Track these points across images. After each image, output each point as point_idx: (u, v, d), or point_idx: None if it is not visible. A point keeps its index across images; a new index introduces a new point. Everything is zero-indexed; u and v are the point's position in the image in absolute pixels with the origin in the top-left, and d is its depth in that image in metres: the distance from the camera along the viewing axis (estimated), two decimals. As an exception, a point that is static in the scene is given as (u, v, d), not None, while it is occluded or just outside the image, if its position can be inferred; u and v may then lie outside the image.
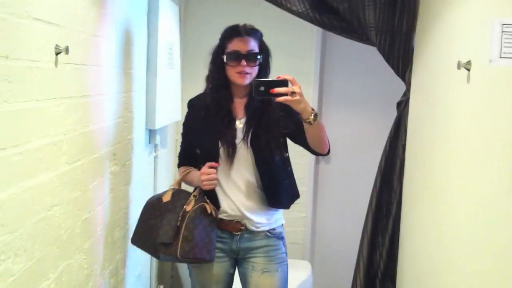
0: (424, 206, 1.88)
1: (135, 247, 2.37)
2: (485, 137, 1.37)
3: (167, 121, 2.77)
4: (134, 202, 2.35)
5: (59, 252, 1.53)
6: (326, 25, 2.11)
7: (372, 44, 2.10)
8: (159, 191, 2.71)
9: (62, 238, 1.56)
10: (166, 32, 2.59)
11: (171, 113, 2.85)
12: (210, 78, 2.03)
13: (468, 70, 1.45)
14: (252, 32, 1.96)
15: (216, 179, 1.95)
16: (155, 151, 2.73)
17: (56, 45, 1.43)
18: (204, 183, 1.94)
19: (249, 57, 1.92)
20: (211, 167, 1.94)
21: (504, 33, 0.96)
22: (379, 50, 2.09)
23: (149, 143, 2.63)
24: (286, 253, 2.07)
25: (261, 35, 2.00)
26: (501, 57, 0.96)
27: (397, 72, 2.11)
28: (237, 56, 1.92)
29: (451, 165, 1.61)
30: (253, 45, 1.94)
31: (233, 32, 1.96)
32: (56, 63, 1.45)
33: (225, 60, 1.94)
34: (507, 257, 1.25)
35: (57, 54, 1.44)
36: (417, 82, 2.04)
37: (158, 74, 2.48)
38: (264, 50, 1.99)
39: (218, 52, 1.98)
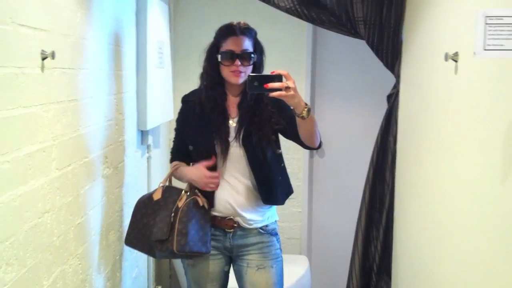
0: (416, 197, 1.88)
1: (130, 250, 2.37)
2: (474, 128, 1.38)
3: (159, 121, 2.76)
4: (128, 204, 2.35)
5: (52, 259, 1.53)
6: (314, 20, 2.11)
7: (361, 37, 2.10)
8: (154, 191, 2.71)
9: (55, 244, 1.56)
10: (155, 31, 2.57)
11: (163, 113, 2.84)
12: (204, 76, 2.03)
13: (456, 61, 1.45)
14: (246, 31, 1.96)
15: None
16: (148, 152, 2.72)
17: (42, 50, 1.42)
18: (210, 185, 1.96)
19: (243, 56, 1.93)
20: (207, 167, 1.95)
21: (487, 25, 0.96)
22: (368, 43, 2.09)
23: (142, 144, 2.62)
24: (280, 249, 2.08)
25: (256, 34, 2.01)
26: (485, 49, 0.96)
27: (386, 65, 2.11)
28: (232, 56, 1.92)
29: (442, 156, 1.61)
30: (248, 44, 1.95)
31: (228, 31, 1.96)
32: (42, 68, 1.44)
33: (219, 59, 1.95)
34: (501, 246, 1.26)
35: (43, 59, 1.43)
36: (406, 74, 2.04)
37: (148, 75, 2.47)
38: (258, 49, 2.00)
39: (213, 51, 1.99)
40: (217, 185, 1.97)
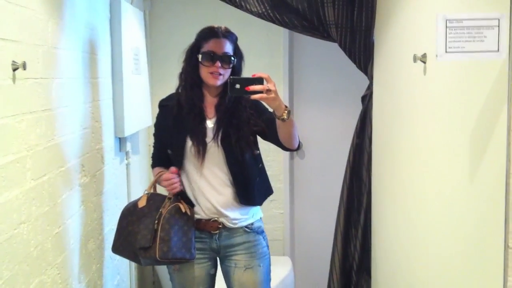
0: (391, 197, 1.91)
1: (111, 257, 2.36)
2: (442, 128, 1.41)
3: (137, 127, 2.76)
4: (107, 211, 2.34)
5: (29, 270, 1.52)
6: (287, 24, 2.13)
7: (333, 40, 2.13)
8: (134, 198, 2.69)
9: (33, 255, 1.55)
10: (130, 38, 2.57)
11: (141, 119, 2.83)
12: (183, 76, 2.04)
13: (424, 62, 1.48)
14: (228, 35, 1.99)
15: (179, 182, 1.99)
16: (126, 159, 2.72)
17: (13, 61, 1.42)
18: (167, 188, 1.98)
19: (224, 59, 1.95)
20: (169, 174, 1.98)
21: (448, 28, 0.98)
22: (340, 46, 2.12)
23: (120, 151, 2.61)
24: (267, 246, 2.09)
25: (236, 39, 2.03)
26: (446, 52, 0.99)
27: (359, 67, 2.14)
28: (212, 57, 1.94)
29: (413, 156, 1.64)
30: (229, 48, 1.97)
31: (210, 32, 1.98)
32: (14, 79, 1.43)
33: (199, 59, 1.96)
34: (471, 242, 1.29)
35: (14, 70, 1.43)
36: (378, 75, 2.08)
37: (124, 81, 2.46)
38: (238, 53, 2.02)
39: (193, 51, 2.00)
40: (177, 185, 1.97)
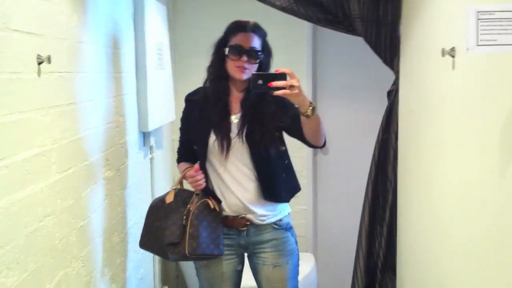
0: (418, 194, 1.87)
1: (135, 251, 2.38)
2: (471, 124, 1.37)
3: (161, 122, 2.77)
4: (131, 205, 2.35)
5: (54, 262, 1.54)
6: (311, 18, 2.10)
7: (358, 34, 2.09)
8: (157, 193, 2.72)
9: (57, 248, 1.56)
10: (154, 33, 2.58)
11: (165, 114, 2.84)
12: (210, 69, 2.04)
13: (453, 57, 1.44)
14: (257, 29, 1.98)
15: (203, 179, 1.98)
16: (150, 153, 2.73)
17: (38, 55, 1.43)
18: (192, 185, 1.99)
19: (251, 53, 1.93)
20: (192, 171, 1.98)
21: (479, 20, 0.95)
22: (365, 40, 2.08)
23: (144, 145, 2.63)
24: (296, 242, 2.09)
25: (265, 35, 2.01)
26: (478, 45, 0.95)
27: (385, 61, 2.10)
28: (239, 51, 1.93)
29: (440, 152, 1.60)
30: (256, 43, 1.95)
31: (238, 26, 1.97)
32: (39, 73, 1.45)
33: (226, 52, 1.95)
34: (501, 238, 1.25)
35: (39, 63, 1.44)
36: (405, 70, 2.03)
37: (148, 76, 2.47)
38: (266, 50, 2.00)
39: (221, 44, 2.00)
40: (201, 182, 1.97)
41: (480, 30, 0.95)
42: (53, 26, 1.55)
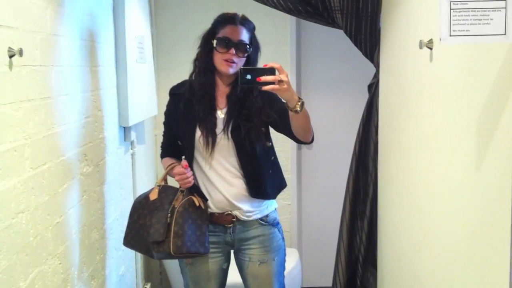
0: (398, 187, 1.87)
1: (115, 247, 2.35)
2: (450, 116, 1.36)
3: (142, 117, 2.74)
4: (111, 201, 2.32)
5: (29, 259, 1.51)
6: (291, 10, 2.08)
7: (338, 27, 2.08)
8: (139, 188, 2.69)
9: (32, 245, 1.53)
10: (134, 26, 2.54)
11: (146, 108, 2.81)
12: (197, 62, 2.00)
13: (430, 49, 1.43)
14: (245, 22, 1.94)
15: (192, 176, 1.94)
16: (131, 148, 2.70)
17: (9, 47, 1.39)
18: (180, 183, 1.94)
19: (239, 46, 1.90)
20: (181, 169, 1.93)
21: (452, 10, 0.94)
22: (345, 32, 2.07)
23: (125, 140, 2.59)
24: (283, 238, 2.06)
25: (254, 28, 1.98)
26: (451, 35, 0.94)
27: (365, 54, 2.10)
28: (227, 43, 1.89)
29: (419, 146, 1.60)
30: (245, 36, 1.92)
31: (227, 18, 1.93)
32: (10, 66, 1.41)
33: (214, 45, 1.91)
34: (479, 231, 1.25)
35: (10, 57, 1.40)
36: (385, 63, 2.03)
37: (128, 70, 2.43)
38: (254, 43, 1.97)
39: (209, 37, 1.96)
40: (190, 179, 1.92)
41: (453, 20, 0.94)
42: (25, 18, 1.51)
